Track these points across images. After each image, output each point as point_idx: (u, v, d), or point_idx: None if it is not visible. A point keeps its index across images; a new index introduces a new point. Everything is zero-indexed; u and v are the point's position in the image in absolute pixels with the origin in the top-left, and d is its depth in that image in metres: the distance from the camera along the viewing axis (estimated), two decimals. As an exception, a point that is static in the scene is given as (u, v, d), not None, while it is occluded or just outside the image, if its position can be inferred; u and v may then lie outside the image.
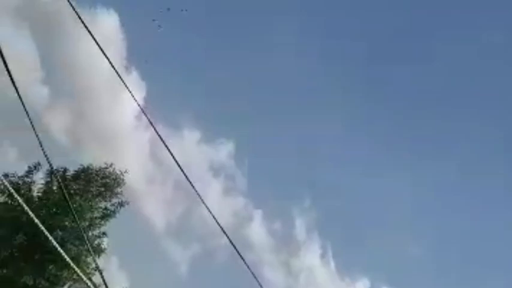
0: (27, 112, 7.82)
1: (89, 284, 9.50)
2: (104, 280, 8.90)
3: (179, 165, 7.92)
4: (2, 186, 25.25)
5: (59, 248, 9.47)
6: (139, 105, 7.83)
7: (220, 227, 8.49)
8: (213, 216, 8.29)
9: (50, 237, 8.83)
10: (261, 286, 9.84)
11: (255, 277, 9.56)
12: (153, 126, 7.62)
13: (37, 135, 8.00)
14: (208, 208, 8.29)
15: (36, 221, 8.50)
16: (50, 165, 8.91)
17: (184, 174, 8.00)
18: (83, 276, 9.81)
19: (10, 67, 7.47)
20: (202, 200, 8.17)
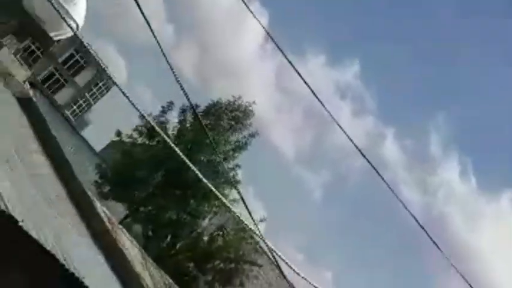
0: (163, 53, 7.65)
1: (236, 213, 9.49)
2: (248, 210, 8.83)
3: (311, 89, 7.53)
4: (140, 128, 26.28)
5: (204, 180, 9.57)
6: (266, 30, 7.39)
7: (355, 145, 8.08)
8: (348, 136, 7.90)
9: (195, 170, 8.91)
10: (402, 204, 9.37)
11: (395, 195, 9.12)
12: (281, 51, 7.22)
13: (175, 74, 7.85)
14: (342, 128, 7.89)
15: (183, 157, 8.59)
16: (189, 101, 8.85)
17: (316, 97, 7.60)
18: (228, 204, 9.81)
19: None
20: (336, 121, 7.77)
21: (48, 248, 5.82)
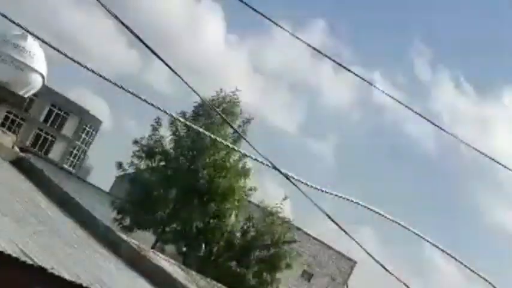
0: (176, 73, 7.19)
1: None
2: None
3: (304, 42, 7.11)
4: (138, 152, 26.19)
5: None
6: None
7: (363, 79, 7.83)
8: (354, 73, 7.56)
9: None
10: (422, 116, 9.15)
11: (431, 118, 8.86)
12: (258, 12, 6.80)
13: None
14: (346, 68, 7.54)
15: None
16: (200, 97, 8.52)
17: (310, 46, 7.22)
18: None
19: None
20: (344, 65, 7.47)
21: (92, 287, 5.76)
